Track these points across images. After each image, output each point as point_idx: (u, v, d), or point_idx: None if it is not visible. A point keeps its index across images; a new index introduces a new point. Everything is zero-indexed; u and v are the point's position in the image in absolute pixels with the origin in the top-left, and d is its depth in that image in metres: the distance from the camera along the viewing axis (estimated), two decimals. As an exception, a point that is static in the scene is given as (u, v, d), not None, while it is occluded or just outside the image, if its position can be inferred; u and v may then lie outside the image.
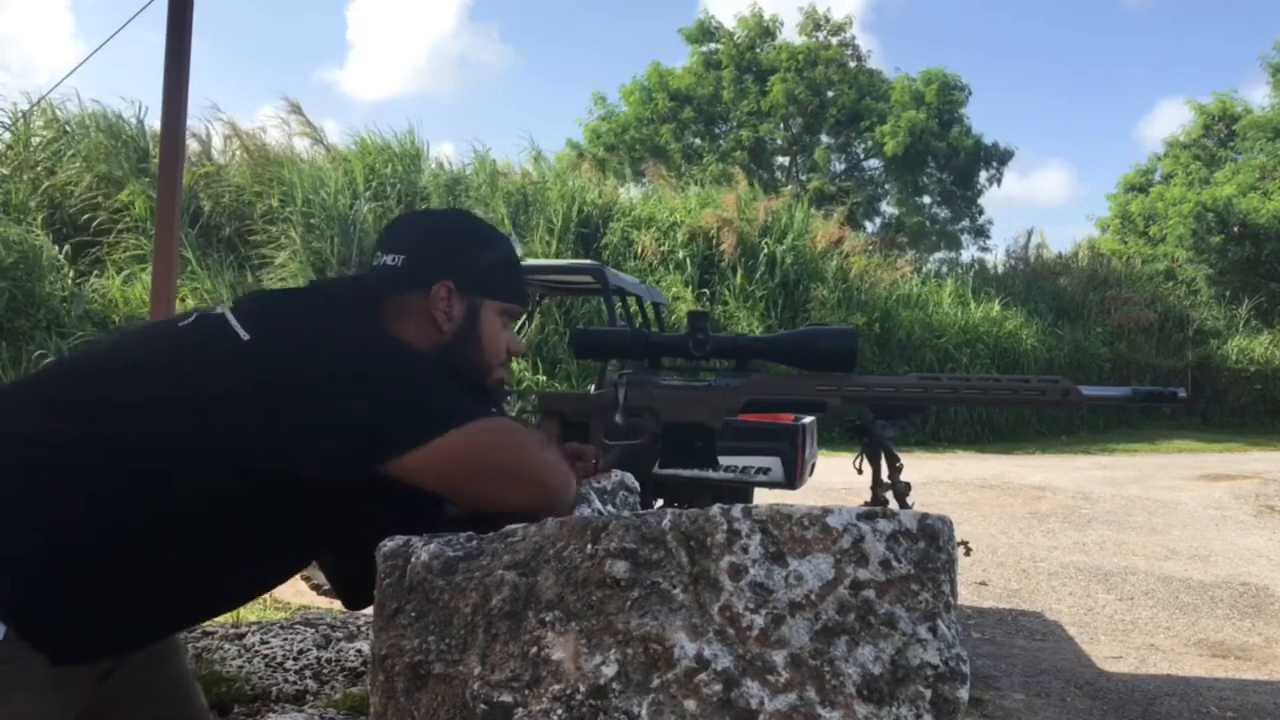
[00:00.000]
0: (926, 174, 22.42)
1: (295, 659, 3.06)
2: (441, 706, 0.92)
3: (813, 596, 0.88)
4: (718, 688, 0.85)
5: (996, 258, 22.13)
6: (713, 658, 0.86)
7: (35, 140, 11.87)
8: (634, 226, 13.42)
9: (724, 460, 4.01)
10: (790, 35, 22.65)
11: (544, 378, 10.71)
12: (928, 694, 0.86)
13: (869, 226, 21.97)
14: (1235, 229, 18.29)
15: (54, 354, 9.00)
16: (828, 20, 22.72)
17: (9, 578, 1.02)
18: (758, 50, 22.25)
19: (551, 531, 0.94)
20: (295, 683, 2.94)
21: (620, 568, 0.90)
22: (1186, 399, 1.36)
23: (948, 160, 21.84)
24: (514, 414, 4.83)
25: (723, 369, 1.37)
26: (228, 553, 1.13)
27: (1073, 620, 4.59)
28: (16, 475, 1.07)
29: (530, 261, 5.23)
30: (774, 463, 4.15)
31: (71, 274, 10.23)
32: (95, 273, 10.51)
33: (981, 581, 5.20)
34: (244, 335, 1.10)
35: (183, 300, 9.07)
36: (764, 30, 22.40)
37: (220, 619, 3.18)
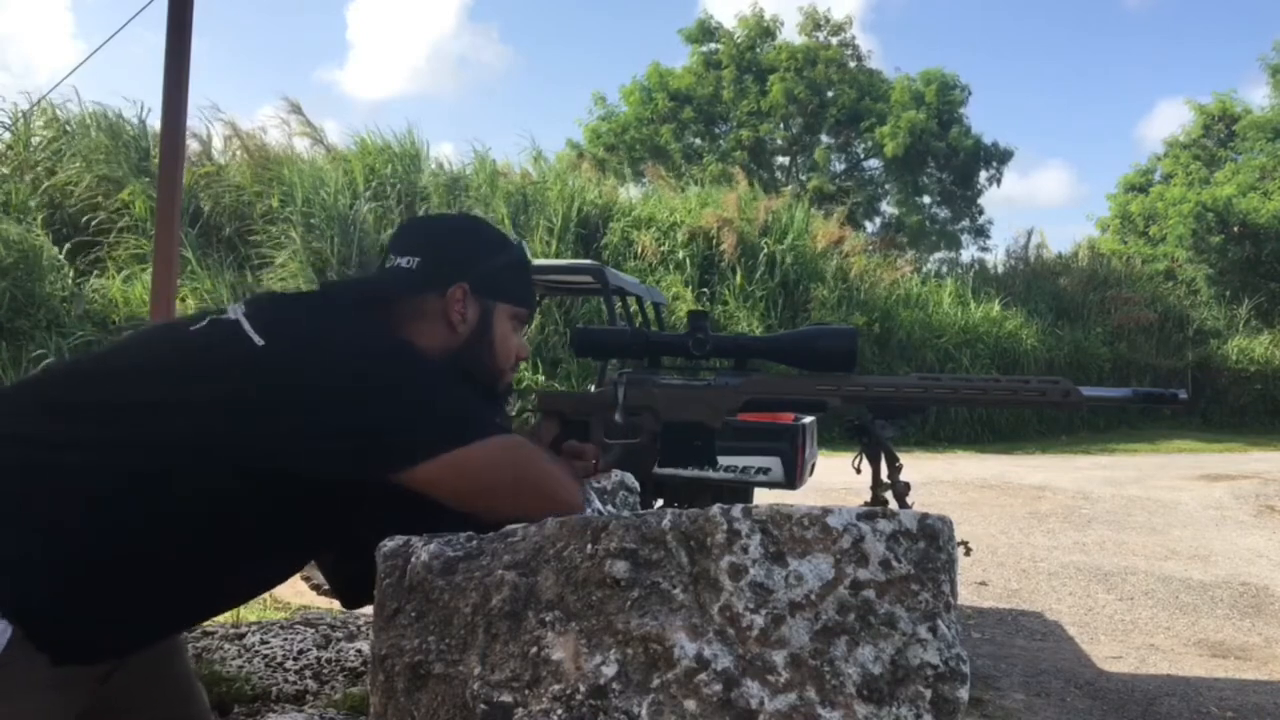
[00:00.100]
0: (926, 174, 22.42)
1: (295, 659, 3.06)
2: (441, 706, 0.92)
3: (813, 596, 0.88)
4: (718, 688, 0.85)
5: (996, 258, 22.18)
6: (713, 658, 0.86)
7: (35, 140, 11.87)
8: (634, 226, 13.42)
9: (724, 460, 4.01)
10: (790, 35, 22.68)
11: (543, 378, 10.71)
12: (928, 694, 0.86)
13: (869, 226, 21.98)
14: (1235, 229, 18.29)
15: (54, 354, 9.00)
16: (828, 20, 22.74)
17: (11, 578, 1.03)
18: (758, 50, 22.25)
19: (551, 531, 0.94)
20: (295, 683, 2.94)
21: (620, 568, 0.90)
22: (1187, 400, 1.36)
23: (948, 160, 21.84)
24: (513, 413, 4.84)
25: (722, 368, 1.38)
26: (228, 553, 1.13)
27: (1073, 620, 4.59)
28: (18, 476, 1.07)
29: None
30: (774, 463, 4.15)
31: (71, 274, 10.22)
32: (95, 273, 10.51)
33: (981, 581, 5.20)
34: (258, 341, 1.11)
35: (183, 300, 9.07)
36: (764, 30, 22.40)
37: (220, 619, 3.18)
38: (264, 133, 13.32)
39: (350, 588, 1.27)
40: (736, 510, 0.90)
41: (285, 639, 3.19)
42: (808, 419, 4.28)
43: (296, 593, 4.15)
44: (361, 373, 1.09)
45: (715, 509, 0.91)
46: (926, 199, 22.98)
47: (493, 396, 1.29)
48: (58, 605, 1.04)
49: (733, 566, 0.88)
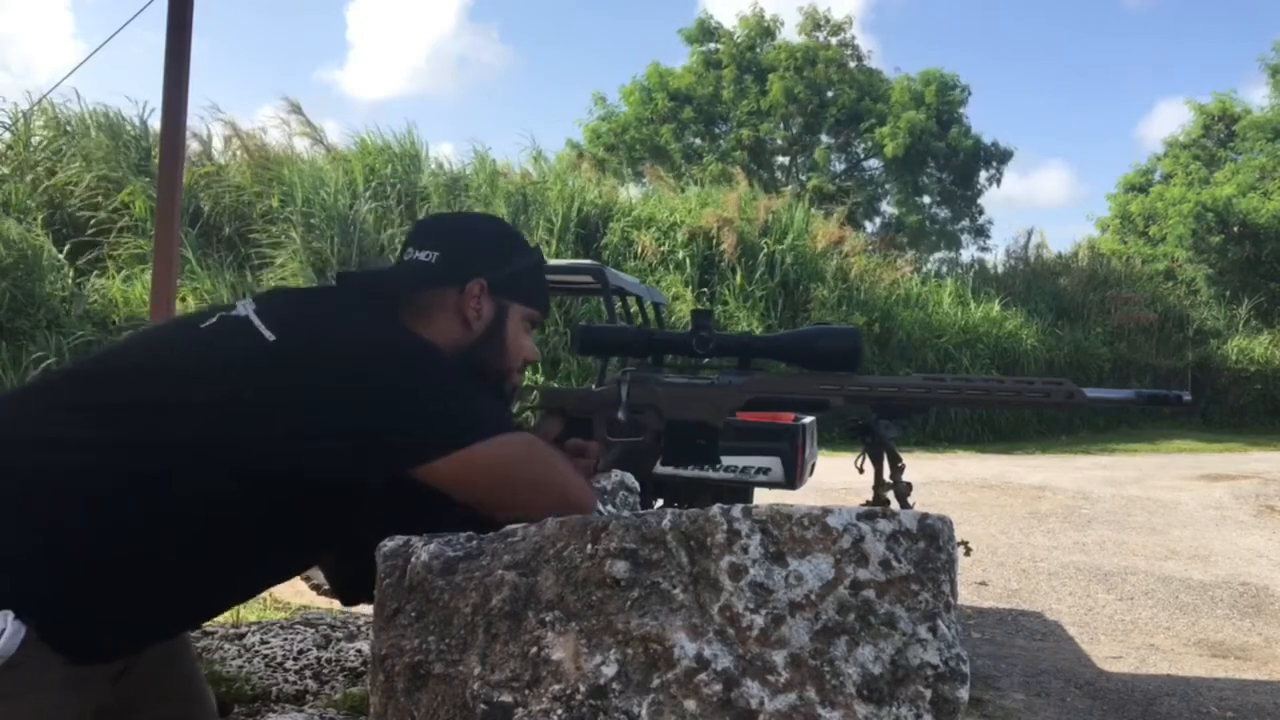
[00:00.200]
0: (926, 174, 22.42)
1: (295, 659, 3.06)
2: (441, 706, 0.92)
3: (813, 596, 0.88)
4: (718, 688, 0.85)
5: (996, 258, 22.16)
6: (713, 658, 0.86)
7: (35, 140, 11.87)
8: (634, 226, 13.42)
9: (724, 460, 4.01)
10: (790, 35, 22.69)
11: (542, 377, 10.70)
12: (928, 694, 0.86)
13: (869, 226, 21.98)
14: (1235, 229, 18.29)
15: (54, 354, 9.00)
16: (827, 20, 22.74)
17: (18, 578, 1.02)
18: (758, 50, 22.26)
19: (551, 531, 0.94)
20: (295, 683, 2.93)
21: (620, 568, 0.90)
22: (1189, 402, 1.36)
23: (947, 160, 21.84)
24: (514, 413, 4.83)
25: (725, 367, 1.38)
26: (229, 553, 1.13)
27: (1073, 620, 4.59)
28: (22, 478, 1.07)
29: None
30: (774, 463, 4.14)
31: (71, 274, 10.22)
32: (95, 273, 10.51)
33: (981, 581, 5.20)
34: (269, 336, 1.11)
35: (183, 300, 9.07)
36: (764, 30, 22.40)
37: (220, 619, 3.18)
38: (264, 133, 13.35)
39: (350, 587, 1.27)
40: (736, 510, 0.90)
41: (285, 639, 3.19)
42: (808, 419, 4.28)
43: (296, 593, 4.15)
44: (362, 373, 1.09)
45: (715, 509, 0.91)
46: (926, 199, 22.99)
47: (499, 396, 1.30)
48: (60, 605, 1.04)
49: (733, 566, 0.88)
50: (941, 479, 8.67)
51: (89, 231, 10.90)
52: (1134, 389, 1.36)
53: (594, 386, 1.60)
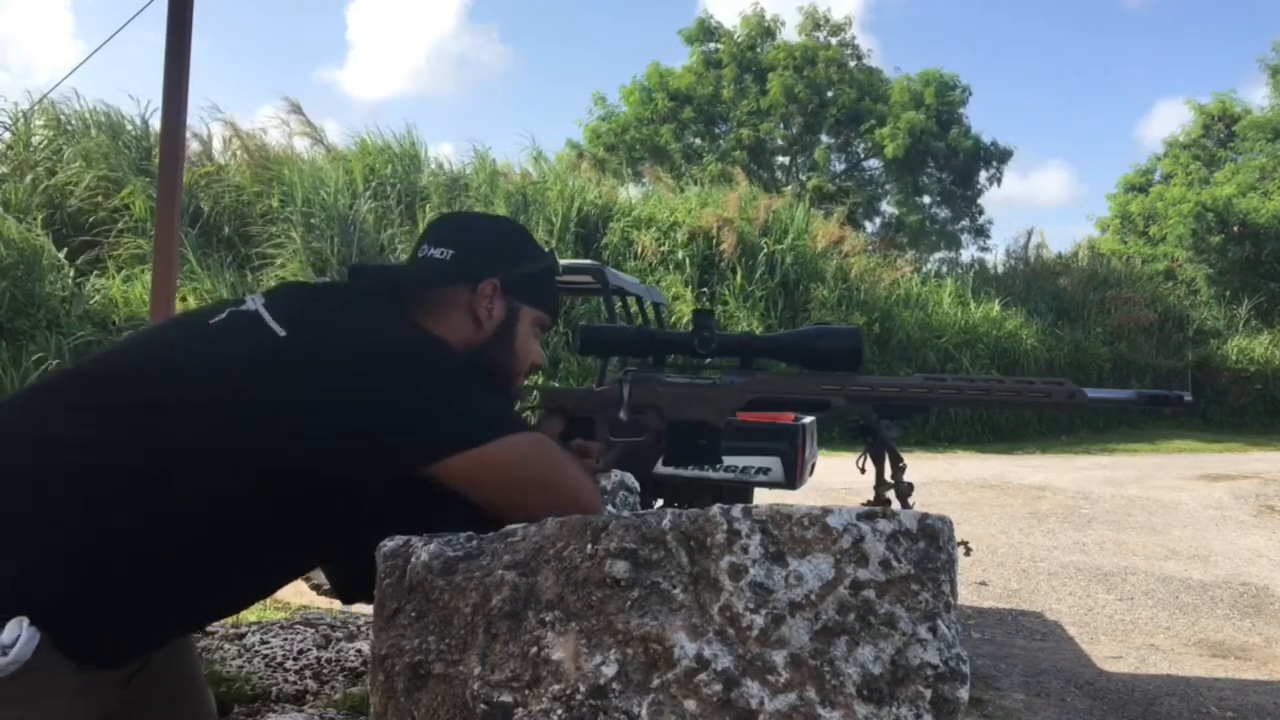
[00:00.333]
0: (926, 174, 22.42)
1: (295, 659, 3.06)
2: (441, 706, 0.92)
3: (813, 596, 0.88)
4: (718, 688, 0.85)
5: (996, 258, 22.17)
6: (713, 658, 0.86)
7: (35, 140, 11.87)
8: (634, 226, 13.42)
9: (724, 460, 4.01)
10: (790, 35, 22.69)
11: (541, 377, 10.70)
12: (928, 694, 0.86)
13: (869, 226, 21.98)
14: (1235, 229, 18.29)
15: (54, 354, 9.00)
16: (827, 20, 22.74)
17: (30, 582, 1.02)
18: (758, 50, 22.26)
19: (551, 531, 0.94)
20: (295, 683, 2.93)
21: (620, 568, 0.90)
22: (1190, 403, 1.36)
23: (947, 160, 21.84)
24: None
25: (726, 367, 1.38)
26: (230, 553, 1.13)
27: (1073, 620, 4.59)
28: (25, 479, 1.07)
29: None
30: (774, 463, 4.14)
31: (71, 274, 10.22)
32: (95, 273, 10.51)
33: (981, 581, 5.20)
34: (280, 331, 1.11)
35: (183, 299, 9.07)
36: (764, 30, 22.40)
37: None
38: (264, 133, 13.36)
39: (350, 587, 1.27)
40: (736, 510, 0.90)
41: (285, 639, 3.19)
42: (808, 419, 4.28)
43: (296, 593, 4.15)
44: (363, 372, 1.09)
45: (715, 509, 0.91)
46: (926, 199, 22.99)
47: (505, 396, 1.30)
48: (67, 607, 1.04)
49: (733, 566, 0.88)
50: (941, 479, 8.67)
51: (89, 231, 10.90)
52: (1134, 389, 1.36)
53: (595, 386, 1.60)
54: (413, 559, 0.96)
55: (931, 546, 0.90)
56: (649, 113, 21.99)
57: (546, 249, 1.38)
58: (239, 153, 12.80)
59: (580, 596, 0.90)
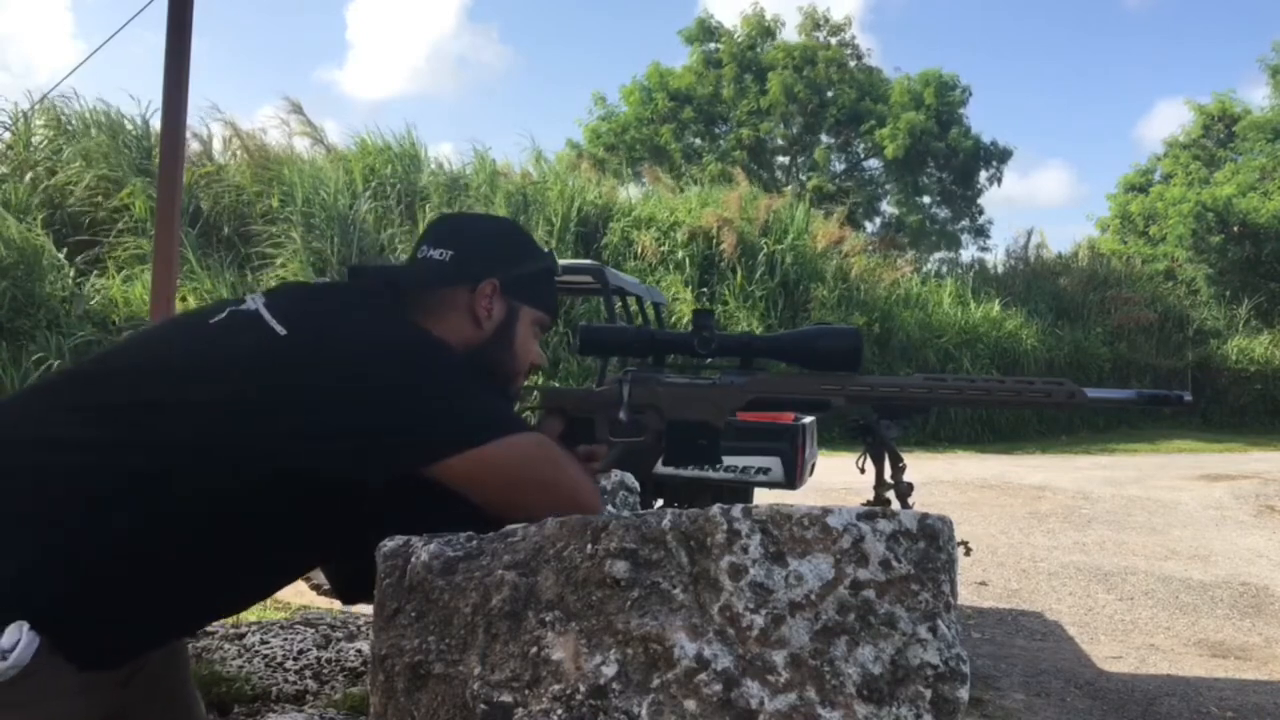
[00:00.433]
0: (926, 174, 22.43)
1: (295, 659, 3.06)
2: (441, 706, 0.92)
3: (813, 596, 0.88)
4: (718, 688, 0.85)
5: (996, 258, 22.16)
6: (713, 658, 0.86)
7: (35, 140, 11.87)
8: (634, 226, 13.42)
9: (724, 460, 4.01)
10: (790, 36, 22.69)
11: (541, 378, 10.70)
12: (928, 694, 0.86)
13: (869, 226, 21.99)
14: (1235, 229, 18.29)
15: (54, 354, 9.00)
16: (827, 20, 22.74)
17: (31, 584, 1.02)
18: (758, 50, 22.26)
19: (551, 531, 0.94)
20: (295, 683, 2.93)
21: (620, 568, 0.89)
22: (1190, 403, 1.35)
23: (947, 160, 21.85)
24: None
25: (726, 367, 1.38)
26: (230, 553, 1.12)
27: (1073, 620, 4.59)
28: (25, 480, 1.07)
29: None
30: (774, 463, 4.15)
31: (71, 274, 10.22)
32: (95, 273, 10.51)
33: (981, 581, 5.20)
34: (280, 330, 1.11)
35: (183, 299, 9.07)
36: (765, 30, 22.41)
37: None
38: (264, 133, 13.35)
39: (350, 587, 1.27)
40: (736, 510, 0.90)
41: (285, 639, 3.19)
42: (808, 419, 4.28)
43: (296, 593, 4.15)
44: (362, 372, 1.09)
45: (715, 509, 0.91)
46: (926, 199, 22.99)
47: (505, 397, 1.30)
48: (67, 609, 1.04)
49: (733, 566, 0.88)
50: (941, 479, 8.67)
51: (89, 231, 10.90)
52: (1134, 389, 1.36)
53: (595, 387, 1.60)
54: (413, 559, 0.96)
55: (931, 546, 0.90)
56: (649, 113, 22.00)
57: (545, 249, 1.38)
58: (239, 153, 12.80)
59: (580, 596, 0.90)
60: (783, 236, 13.72)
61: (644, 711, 0.86)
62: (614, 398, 1.34)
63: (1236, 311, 17.55)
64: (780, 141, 22.91)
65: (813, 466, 4.69)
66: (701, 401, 1.33)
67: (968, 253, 22.52)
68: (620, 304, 4.85)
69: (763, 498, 4.14)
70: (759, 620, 0.87)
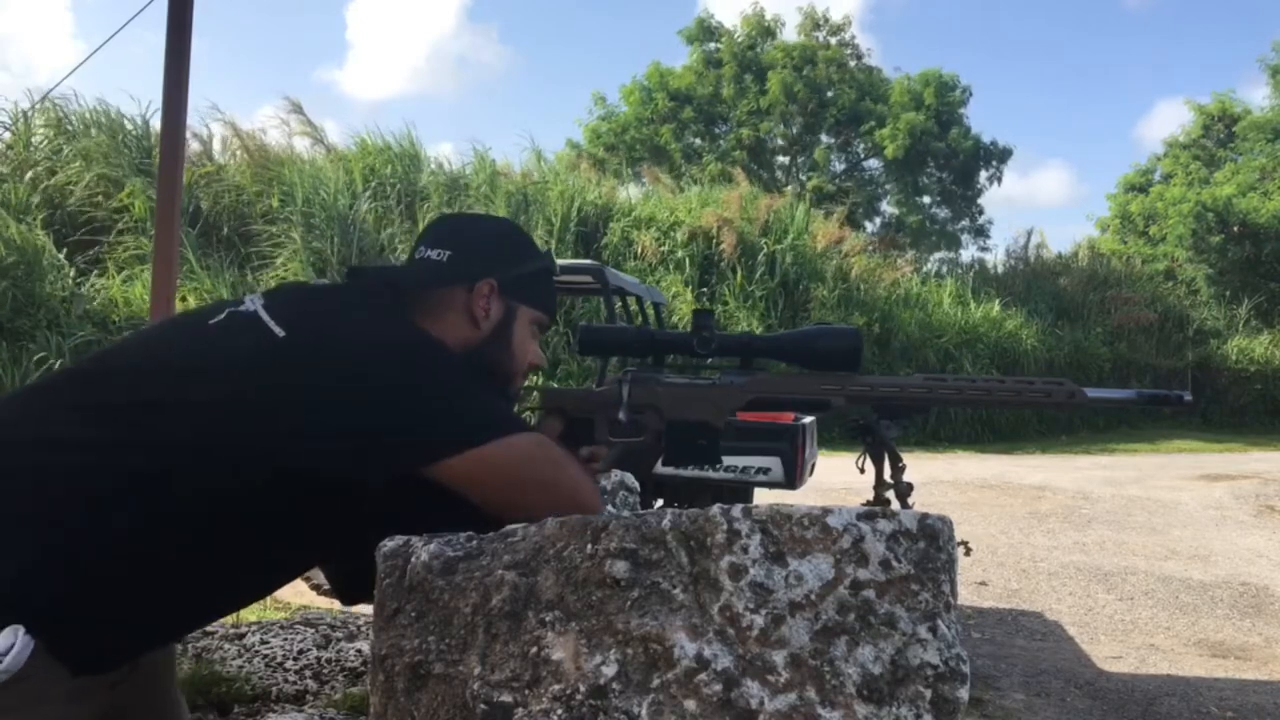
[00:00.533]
0: (926, 174, 22.43)
1: (295, 659, 3.06)
2: (441, 706, 0.92)
3: (813, 596, 0.88)
4: (718, 688, 0.85)
5: (996, 258, 22.15)
6: (713, 658, 0.86)
7: (35, 140, 11.87)
8: (634, 226, 13.42)
9: (724, 460, 4.01)
10: (790, 36, 22.70)
11: (541, 378, 10.70)
12: (928, 694, 0.86)
13: (869, 226, 21.99)
14: (1235, 229, 18.29)
15: (54, 354, 9.00)
16: (826, 20, 22.74)
17: (29, 586, 1.02)
18: (758, 50, 22.26)
19: (551, 531, 0.94)
20: (295, 683, 2.93)
21: (620, 568, 0.89)
22: (1191, 403, 1.35)
23: (947, 160, 21.85)
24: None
25: (726, 367, 1.38)
26: (230, 553, 1.12)
27: (1073, 620, 4.59)
28: (25, 480, 1.07)
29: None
30: (774, 463, 4.15)
31: (71, 274, 10.22)
32: (95, 273, 10.51)
33: (981, 581, 5.20)
34: (279, 332, 1.11)
35: (183, 299, 9.07)
36: (765, 30, 22.41)
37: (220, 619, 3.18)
38: (264, 133, 13.35)
39: (350, 587, 1.27)
40: (736, 510, 0.90)
41: (285, 639, 3.19)
42: (808, 419, 4.28)
43: (296, 593, 4.15)
44: (362, 372, 1.09)
45: (715, 509, 0.91)
46: (926, 199, 23.00)
47: (504, 397, 1.30)
48: (65, 610, 1.04)
49: (733, 566, 0.88)
50: (941, 479, 8.67)
51: (89, 231, 10.89)
52: (1134, 389, 1.36)
53: (595, 387, 1.60)
54: (413, 559, 0.96)
55: (931, 546, 0.90)
56: (649, 113, 22.00)
57: (544, 249, 1.38)
58: (239, 153, 12.80)
59: (580, 596, 0.90)
60: (783, 236, 13.72)
61: (644, 711, 0.86)
62: (614, 398, 1.34)
63: (1236, 311, 17.55)
64: (780, 141, 22.92)
65: (813, 466, 4.69)
66: (701, 401, 1.33)
67: (968, 253, 22.56)
68: (620, 304, 4.85)
69: (763, 498, 4.15)
70: (759, 620, 0.87)
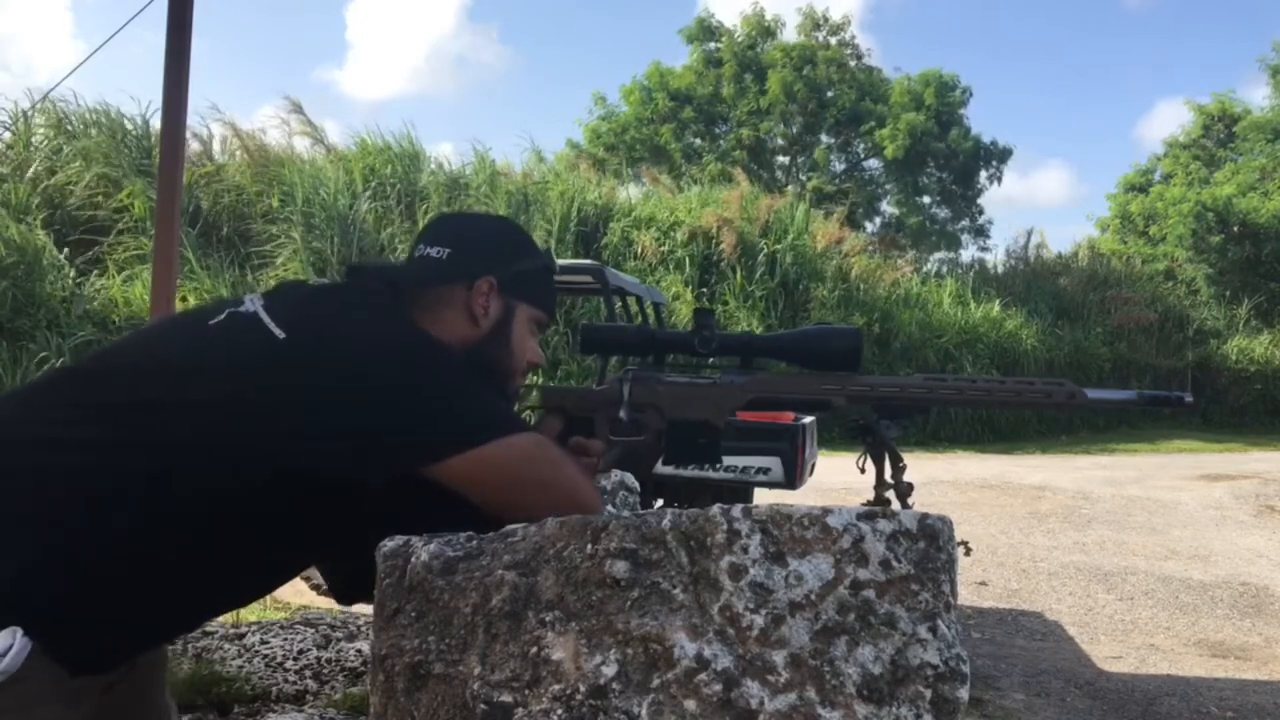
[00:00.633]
0: (926, 174, 22.44)
1: (295, 659, 3.06)
2: (441, 706, 0.92)
3: (813, 596, 0.88)
4: (718, 688, 0.85)
5: (996, 258, 22.14)
6: (713, 658, 0.86)
7: (35, 140, 11.86)
8: (634, 226, 13.42)
9: (724, 460, 4.01)
10: (790, 36, 22.70)
11: (540, 378, 10.70)
12: (928, 694, 0.86)
13: (869, 226, 22.00)
14: (1235, 229, 18.30)
15: (54, 354, 9.00)
16: (826, 20, 22.75)
17: (28, 586, 1.02)
18: (758, 50, 22.27)
19: (551, 531, 0.94)
20: (295, 683, 2.94)
21: (620, 568, 0.89)
22: (1191, 404, 1.35)
23: (947, 160, 21.85)
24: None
25: (727, 367, 1.38)
26: (230, 553, 1.12)
27: (1073, 620, 4.59)
28: (24, 480, 1.07)
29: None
30: (774, 463, 4.15)
31: (71, 274, 10.22)
32: (95, 273, 10.50)
33: (981, 581, 5.20)
34: (279, 334, 1.11)
35: (183, 299, 9.06)
36: (765, 30, 22.41)
37: (220, 619, 3.18)
38: (264, 133, 13.34)
39: (349, 586, 1.27)
40: (736, 510, 0.90)
41: (285, 639, 3.19)
42: (808, 419, 4.28)
43: (296, 593, 4.15)
44: (362, 372, 1.09)
45: (715, 509, 0.91)
46: (926, 199, 23.00)
47: (503, 396, 1.30)
48: (64, 610, 1.04)
49: (733, 566, 0.88)
50: (941, 479, 8.67)
51: (89, 231, 10.89)
52: (1135, 389, 1.36)
53: (595, 386, 1.60)
54: (413, 559, 0.96)
55: (931, 546, 0.90)
56: (649, 112, 22.00)
57: (543, 248, 1.38)
58: (239, 153, 12.80)
59: (580, 596, 0.90)
60: (783, 236, 13.72)
61: (644, 711, 0.86)
62: (614, 397, 1.34)
63: (1236, 311, 17.56)
64: (780, 141, 22.92)
65: (813, 466, 4.69)
66: (702, 401, 1.33)
67: (968, 253, 22.56)
68: (620, 304, 4.85)
69: (763, 498, 4.15)
70: (759, 620, 0.87)
